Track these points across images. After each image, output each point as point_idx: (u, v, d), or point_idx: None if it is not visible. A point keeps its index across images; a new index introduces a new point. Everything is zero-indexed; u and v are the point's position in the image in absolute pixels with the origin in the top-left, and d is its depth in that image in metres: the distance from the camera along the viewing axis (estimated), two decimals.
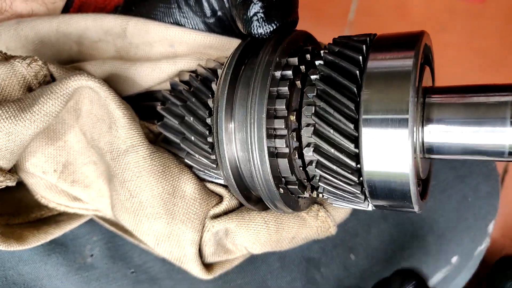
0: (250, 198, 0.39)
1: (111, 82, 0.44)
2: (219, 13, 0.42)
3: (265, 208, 0.42)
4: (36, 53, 0.46)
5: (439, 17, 1.71)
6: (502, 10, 1.67)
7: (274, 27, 0.35)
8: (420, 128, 0.31)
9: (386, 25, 1.74)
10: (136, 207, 0.41)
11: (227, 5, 0.40)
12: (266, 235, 0.43)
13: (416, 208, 0.32)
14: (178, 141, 0.41)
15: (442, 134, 0.30)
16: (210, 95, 0.40)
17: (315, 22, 1.72)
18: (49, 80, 0.41)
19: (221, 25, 0.43)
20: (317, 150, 0.32)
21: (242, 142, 0.34)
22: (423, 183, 0.35)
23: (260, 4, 0.35)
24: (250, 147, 0.33)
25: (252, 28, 0.36)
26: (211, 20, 0.42)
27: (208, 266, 0.46)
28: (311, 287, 0.58)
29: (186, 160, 0.42)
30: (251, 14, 0.35)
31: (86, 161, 0.44)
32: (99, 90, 0.39)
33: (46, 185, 0.44)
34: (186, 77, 0.43)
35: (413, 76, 0.29)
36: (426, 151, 0.32)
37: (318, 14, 1.78)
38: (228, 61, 0.36)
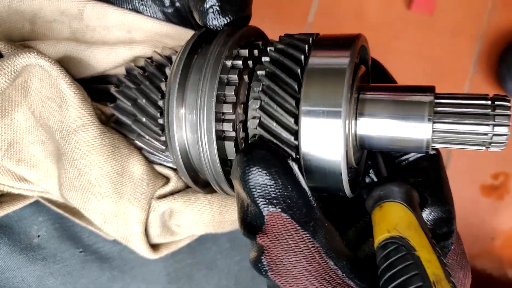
0: (197, 181, 0.41)
1: (65, 63, 0.44)
2: (177, 4, 0.43)
3: (211, 191, 0.44)
4: None
5: (392, 25, 1.80)
6: (449, 23, 1.78)
7: (228, 20, 0.37)
8: (353, 121, 0.34)
9: (343, 28, 1.81)
10: (84, 185, 0.42)
11: None
12: (210, 216, 0.46)
13: (347, 193, 0.35)
14: (129, 122, 0.42)
15: (372, 126, 0.34)
16: (164, 79, 0.41)
17: (275, 22, 1.76)
18: None
19: (178, 16, 0.44)
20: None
21: (192, 124, 0.36)
22: (357, 171, 0.38)
23: None
24: (199, 128, 0.35)
25: (208, 20, 0.37)
26: (169, 10, 0.44)
27: (154, 247, 0.48)
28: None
29: (136, 142, 0.43)
30: (207, 6, 0.37)
31: (33, 140, 0.43)
32: (50, 69, 0.40)
33: None
34: (142, 62, 0.44)
35: (348, 73, 0.32)
36: (359, 142, 0.35)
37: (279, 14, 1.83)
38: (183, 48, 0.38)
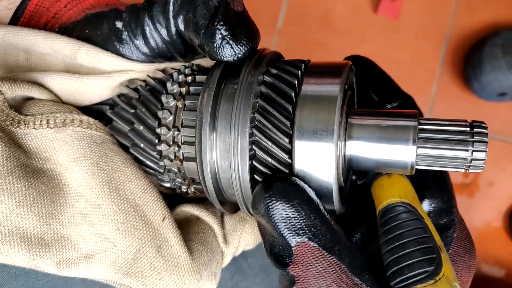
0: (223, 202, 0.42)
1: (69, 93, 0.44)
2: (162, 46, 0.43)
3: (230, 210, 0.44)
4: None
5: (360, 30, 1.83)
6: (414, 27, 1.83)
7: (246, 46, 0.37)
8: (343, 143, 0.36)
9: (312, 34, 1.82)
10: None
11: (166, 38, 0.42)
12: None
13: (336, 210, 0.37)
14: (127, 145, 0.43)
15: (360, 149, 0.36)
16: (160, 107, 0.42)
17: None
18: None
19: (162, 55, 0.44)
20: (257, 159, 0.37)
21: (223, 151, 0.37)
22: (344, 190, 0.41)
23: (223, 28, 0.37)
24: (232, 155, 0.36)
25: (225, 53, 0.37)
26: (153, 53, 0.44)
27: None
28: (239, 276, 0.62)
29: (132, 152, 0.44)
30: (220, 40, 0.37)
31: None
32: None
33: None
34: (135, 84, 0.45)
35: (339, 100, 0.34)
36: (347, 162, 0.37)
37: None
38: (209, 85, 0.38)
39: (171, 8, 0.40)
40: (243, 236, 0.48)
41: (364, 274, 0.34)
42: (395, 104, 0.41)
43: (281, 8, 1.83)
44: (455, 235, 0.37)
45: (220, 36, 0.37)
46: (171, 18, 0.40)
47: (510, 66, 1.62)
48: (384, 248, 0.34)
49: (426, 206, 0.38)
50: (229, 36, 0.37)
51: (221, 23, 0.37)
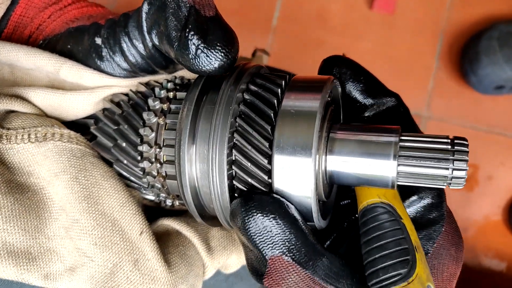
0: (206, 217, 0.42)
1: (54, 109, 0.44)
2: (142, 62, 0.43)
3: (212, 224, 0.44)
4: None
5: (355, 26, 1.82)
6: (410, 22, 1.82)
7: (222, 51, 0.36)
8: (323, 157, 0.36)
9: (308, 32, 1.82)
10: None
11: (144, 53, 0.41)
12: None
13: (317, 226, 0.37)
14: (111, 160, 0.44)
15: (341, 164, 0.36)
16: (142, 123, 0.42)
17: (240, 28, 1.74)
18: None
19: (143, 70, 0.44)
20: (237, 178, 0.37)
21: (202, 172, 0.37)
22: (327, 204, 0.41)
23: (195, 37, 0.35)
24: (211, 177, 0.37)
25: (202, 63, 0.36)
26: (134, 69, 0.44)
27: None
28: (233, 278, 0.62)
29: (115, 167, 0.44)
30: (194, 50, 0.35)
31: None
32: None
33: None
34: (119, 98, 0.45)
35: (319, 115, 0.34)
36: (328, 177, 0.37)
37: (243, 21, 1.81)
38: (188, 102, 0.37)
39: (144, 23, 0.39)
40: (232, 257, 0.48)
41: (341, 281, 0.34)
42: (382, 101, 0.40)
43: (275, 6, 1.83)
44: (443, 229, 0.37)
45: (193, 46, 0.35)
46: (145, 33, 0.39)
47: (507, 59, 1.61)
48: (364, 249, 0.34)
49: (416, 201, 0.38)
50: (202, 45, 0.35)
51: (192, 32, 0.35)
